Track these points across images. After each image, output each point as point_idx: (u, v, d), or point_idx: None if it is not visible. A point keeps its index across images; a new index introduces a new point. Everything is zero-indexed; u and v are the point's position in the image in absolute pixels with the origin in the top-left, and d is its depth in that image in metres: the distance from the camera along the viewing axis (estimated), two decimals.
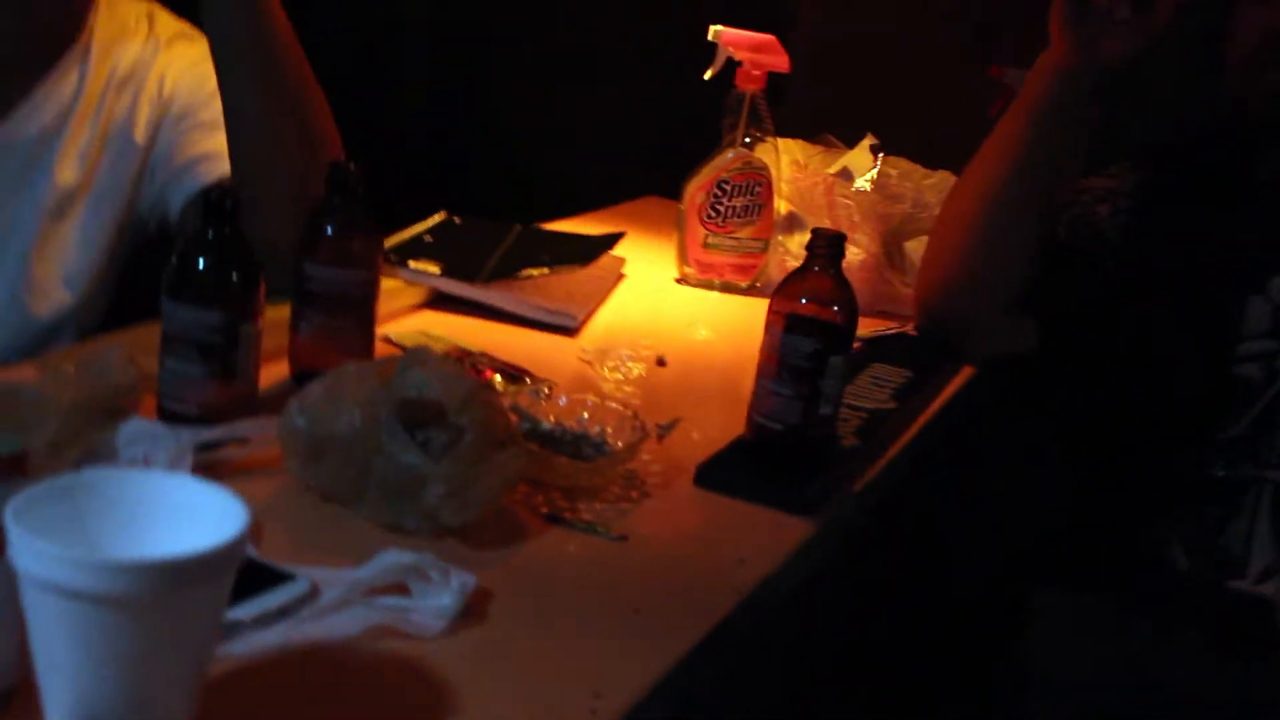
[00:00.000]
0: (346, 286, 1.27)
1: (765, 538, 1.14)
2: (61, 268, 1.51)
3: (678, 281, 1.88)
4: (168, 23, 1.59)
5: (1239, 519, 1.56)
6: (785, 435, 1.23)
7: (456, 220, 1.83)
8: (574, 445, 1.21)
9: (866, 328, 1.73)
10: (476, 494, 1.02)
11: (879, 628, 1.77)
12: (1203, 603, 1.58)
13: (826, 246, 1.24)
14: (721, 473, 1.22)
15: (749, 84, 1.81)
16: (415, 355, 1.07)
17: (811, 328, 1.22)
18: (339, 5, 3.08)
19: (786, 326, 1.22)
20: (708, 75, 1.82)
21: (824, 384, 1.22)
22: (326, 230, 1.26)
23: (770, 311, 1.24)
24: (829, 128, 2.01)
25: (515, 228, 1.83)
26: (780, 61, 1.81)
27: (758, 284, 1.87)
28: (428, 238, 1.74)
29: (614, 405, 1.26)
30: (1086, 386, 1.72)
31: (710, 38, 1.81)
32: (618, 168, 2.55)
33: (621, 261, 1.85)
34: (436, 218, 1.83)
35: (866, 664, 1.73)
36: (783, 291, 1.25)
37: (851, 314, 1.24)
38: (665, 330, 1.67)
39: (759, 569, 1.08)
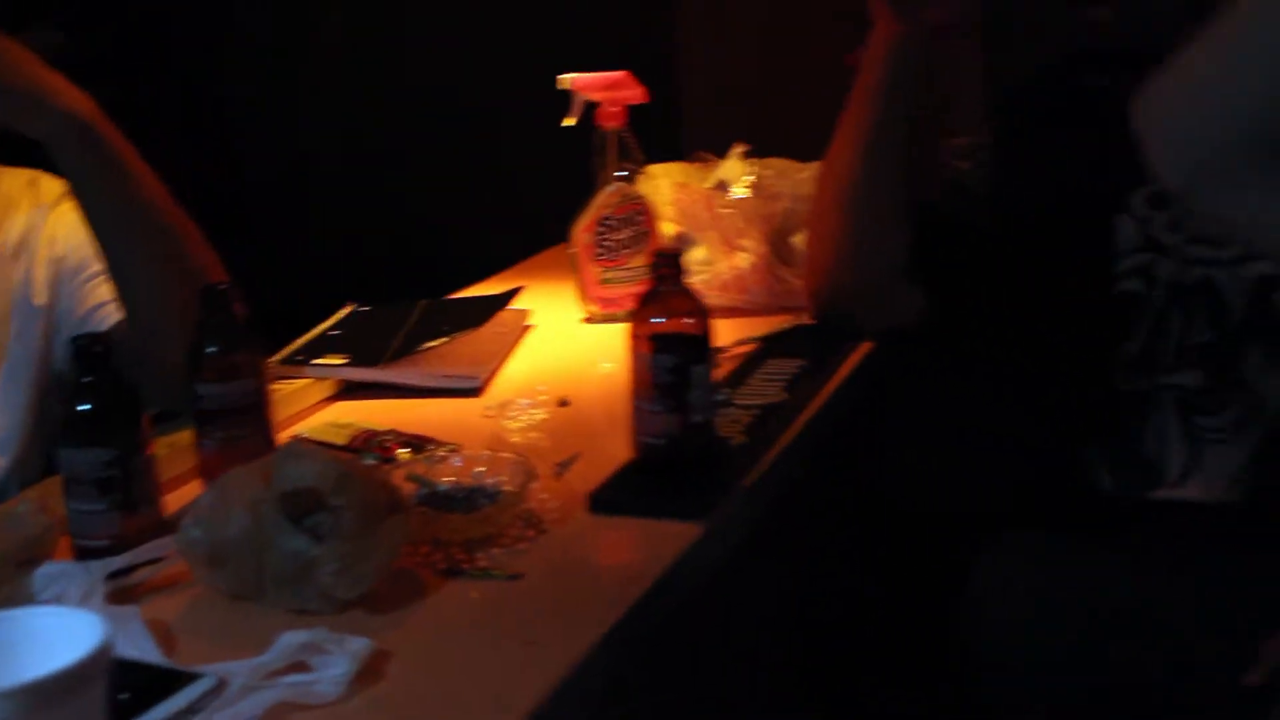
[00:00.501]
0: (236, 399, 1.34)
1: (658, 548, 1.20)
2: None
3: (585, 321, 1.95)
4: (51, 186, 1.66)
5: (1151, 427, 1.63)
6: (666, 449, 1.30)
7: (363, 309, 1.91)
8: (469, 500, 1.28)
9: (764, 326, 1.80)
10: (366, 566, 1.09)
11: (805, 614, 1.82)
12: (1132, 518, 1.64)
13: (667, 264, 1.31)
14: (613, 495, 1.29)
15: (610, 121, 1.88)
16: (288, 450, 1.15)
17: (669, 344, 1.29)
18: (248, 112, 3.18)
19: (646, 347, 1.29)
20: (568, 121, 1.89)
21: (692, 394, 1.29)
22: (207, 350, 1.33)
23: (630, 336, 1.31)
24: (733, 141, 2.08)
25: (420, 304, 1.91)
26: (635, 94, 1.89)
27: None
28: (335, 332, 1.81)
29: (505, 455, 1.33)
30: (984, 338, 1.78)
31: (562, 85, 1.89)
32: (527, 223, 2.64)
33: (525, 314, 1.92)
34: (343, 311, 1.90)
35: (797, 651, 1.78)
36: (637, 315, 1.32)
37: (704, 322, 1.31)
38: (571, 371, 1.74)
39: (650, 577, 1.14)
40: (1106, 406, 1.66)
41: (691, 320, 1.30)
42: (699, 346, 1.30)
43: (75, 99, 1.40)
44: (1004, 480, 1.78)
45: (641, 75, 1.91)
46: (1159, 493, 1.64)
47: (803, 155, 2.06)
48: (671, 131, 2.66)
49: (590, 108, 1.89)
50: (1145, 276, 1.63)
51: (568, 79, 1.88)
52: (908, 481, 1.88)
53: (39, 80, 1.38)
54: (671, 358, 1.28)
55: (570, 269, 1.97)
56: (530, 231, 2.41)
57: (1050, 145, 1.73)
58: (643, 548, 1.22)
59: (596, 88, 1.88)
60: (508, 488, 1.28)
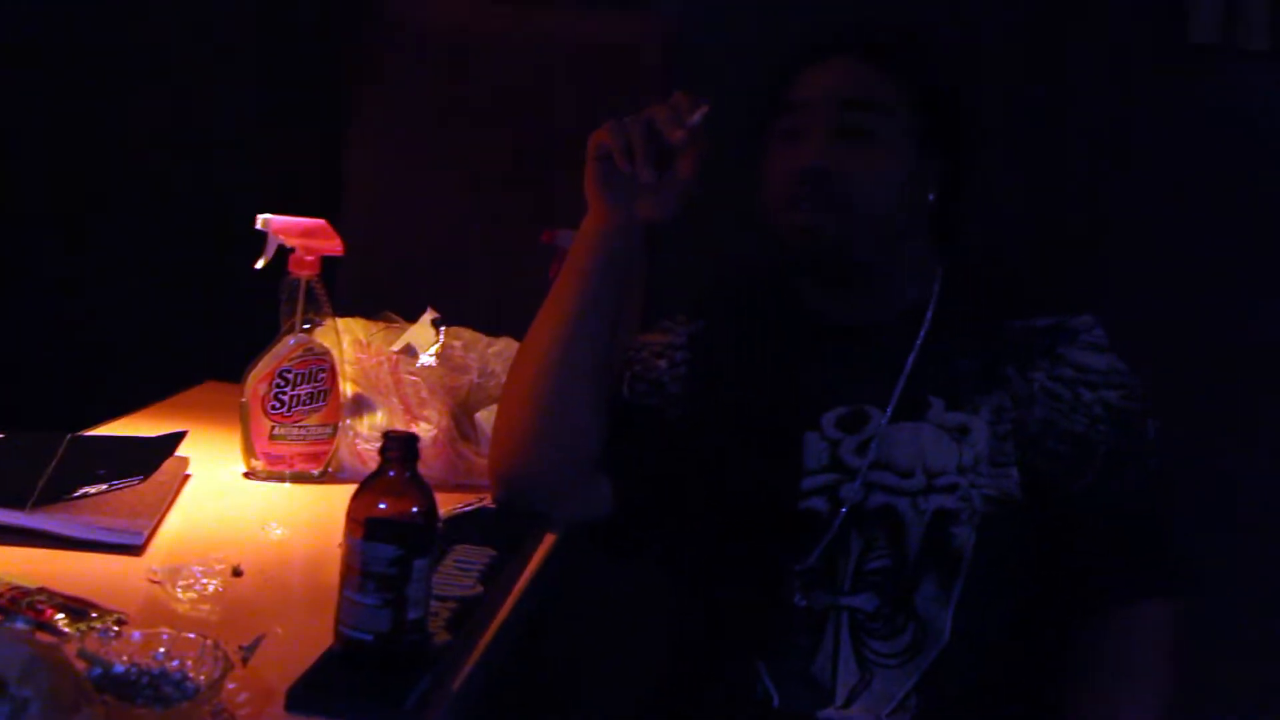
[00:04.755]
0: None
1: None
2: None
3: (246, 476, 1.82)
4: None
5: (824, 647, 1.64)
6: (376, 645, 1.20)
7: None
8: (152, 687, 1.14)
9: (445, 505, 1.72)
10: None
11: None
12: None
13: (399, 448, 1.23)
14: (314, 693, 1.17)
15: (302, 269, 1.78)
16: None
17: (392, 533, 1.20)
18: None
19: (365, 534, 1.20)
20: (260, 264, 1.79)
21: (411, 589, 1.20)
22: None
23: (347, 519, 1.22)
24: (389, 305, 2.01)
25: (65, 438, 1.73)
26: (332, 245, 1.80)
27: (330, 469, 1.84)
28: None
29: (191, 635, 1.19)
30: (671, 536, 1.77)
31: (259, 226, 1.78)
32: (171, 355, 2.47)
33: (184, 462, 1.77)
34: None
35: None
36: (359, 498, 1.22)
37: (431, 515, 1.23)
38: (239, 533, 1.60)
39: None
40: (779, 622, 1.66)
41: (418, 510, 1.22)
42: (424, 540, 1.22)
43: None
44: (675, 683, 1.77)
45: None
46: (825, 712, 1.64)
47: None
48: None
49: (283, 253, 1.79)
50: (829, 496, 1.66)
51: (265, 219, 1.78)
52: (584, 676, 1.83)
53: None
54: (393, 549, 1.19)
55: (235, 411, 1.84)
56: (180, 363, 2.26)
57: (745, 357, 1.75)
58: None
59: (293, 233, 1.78)
60: (198, 676, 1.15)
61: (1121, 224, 2.52)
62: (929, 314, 1.70)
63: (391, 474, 1.22)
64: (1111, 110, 2.52)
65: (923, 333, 1.69)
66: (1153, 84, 2.53)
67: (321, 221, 1.80)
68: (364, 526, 1.20)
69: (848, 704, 1.64)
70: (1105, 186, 2.53)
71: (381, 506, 1.21)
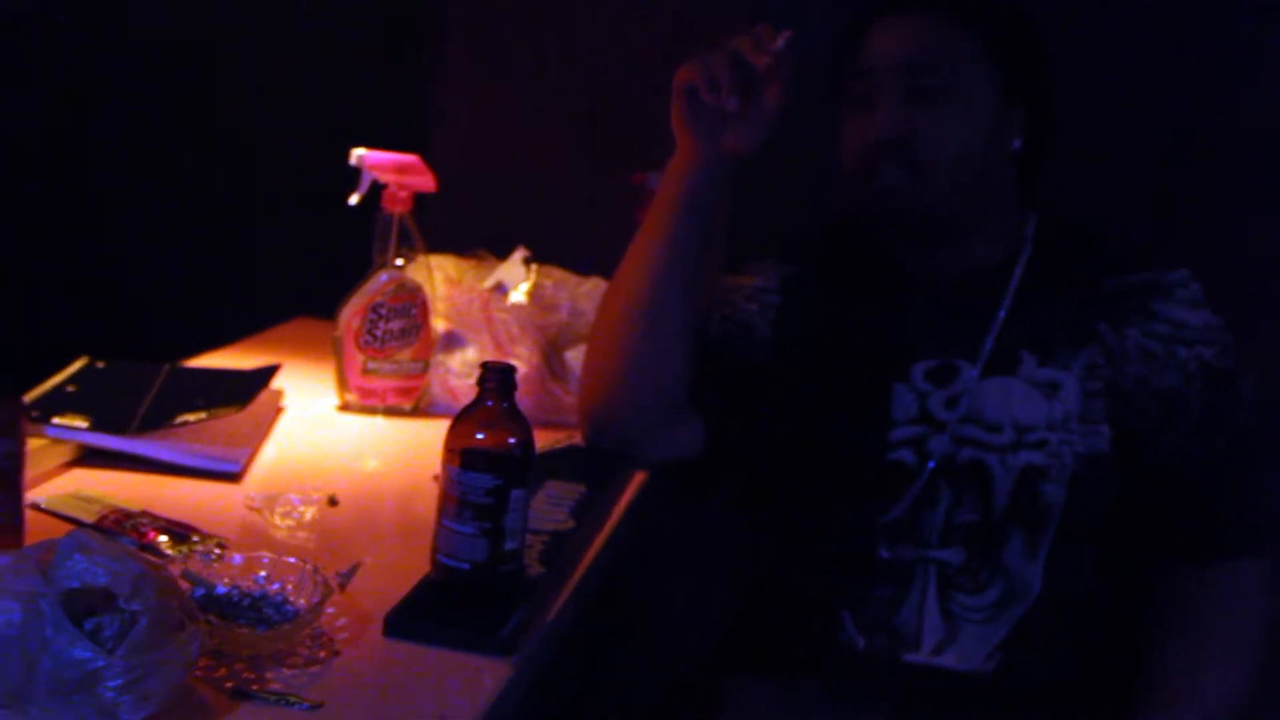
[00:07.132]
0: None
1: (466, 684, 1.11)
2: None
3: (339, 409, 1.83)
4: None
5: (909, 599, 1.62)
6: (472, 574, 1.21)
7: (100, 365, 1.74)
8: (254, 609, 1.16)
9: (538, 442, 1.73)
10: (156, 683, 0.96)
11: None
12: (883, 676, 1.63)
13: (497, 379, 1.23)
14: (411, 620, 1.18)
15: (395, 205, 1.79)
16: (77, 540, 1.00)
17: (489, 463, 1.21)
18: None
19: (463, 463, 1.21)
20: (354, 200, 1.79)
21: (508, 519, 1.21)
22: None
23: (445, 449, 1.22)
24: (476, 242, 2.01)
25: (164, 368, 1.75)
26: (425, 182, 1.81)
27: (421, 405, 1.85)
28: (70, 387, 1.64)
29: (291, 560, 1.21)
30: (755, 480, 1.76)
31: (353, 162, 1.79)
32: (261, 291, 2.49)
33: (279, 394, 1.80)
34: (77, 364, 1.73)
35: None
36: (457, 428, 1.23)
37: (528, 445, 1.24)
38: (333, 464, 1.62)
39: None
40: (863, 573, 1.65)
41: (515, 441, 1.22)
42: (521, 470, 1.22)
43: None
44: (757, 625, 1.76)
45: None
46: (911, 656, 1.63)
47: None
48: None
49: (376, 189, 1.80)
50: (917, 449, 1.64)
51: (359, 154, 1.78)
52: (669, 611, 1.83)
53: None
54: (489, 478, 1.20)
55: (327, 347, 1.85)
56: (270, 298, 2.29)
57: (836, 305, 1.73)
58: (448, 682, 1.12)
59: (387, 169, 1.78)
60: (298, 599, 1.17)
61: (1223, 182, 2.45)
62: (1019, 268, 1.66)
63: (489, 404, 1.23)
64: (1215, 63, 2.45)
65: (1013, 286, 1.65)
66: (1256, 36, 2.46)
67: (414, 157, 1.80)
68: (461, 456, 1.21)
69: (935, 654, 1.62)
70: (1207, 142, 2.46)
71: (479, 436, 1.22)
